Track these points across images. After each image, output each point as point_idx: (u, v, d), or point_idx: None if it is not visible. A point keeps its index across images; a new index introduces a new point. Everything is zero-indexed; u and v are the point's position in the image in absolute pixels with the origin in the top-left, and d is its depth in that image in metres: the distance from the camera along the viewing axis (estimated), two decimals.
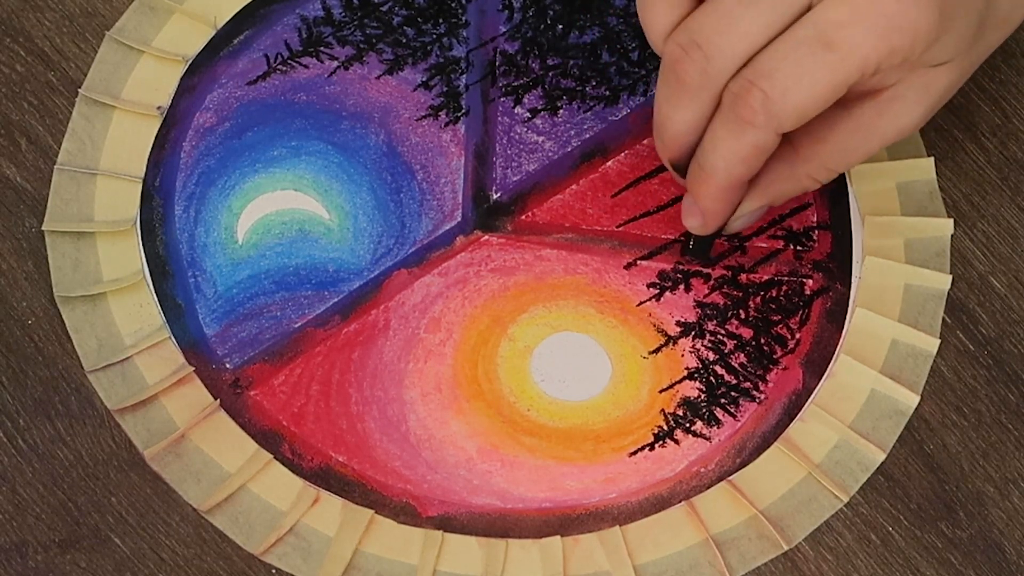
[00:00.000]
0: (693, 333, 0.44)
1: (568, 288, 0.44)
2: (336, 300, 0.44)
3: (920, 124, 0.37)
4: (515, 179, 0.45)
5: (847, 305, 0.44)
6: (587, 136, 0.45)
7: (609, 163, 0.46)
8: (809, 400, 0.44)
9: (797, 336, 0.44)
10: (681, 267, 0.45)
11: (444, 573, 0.42)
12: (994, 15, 0.37)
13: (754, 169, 0.37)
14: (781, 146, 0.36)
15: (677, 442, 0.43)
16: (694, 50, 0.35)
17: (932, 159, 0.45)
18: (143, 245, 0.44)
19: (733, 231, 0.41)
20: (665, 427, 0.43)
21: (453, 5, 0.46)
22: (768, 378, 0.44)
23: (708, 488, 0.43)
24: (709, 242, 0.43)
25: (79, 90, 0.45)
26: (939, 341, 0.44)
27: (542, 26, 0.46)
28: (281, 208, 0.45)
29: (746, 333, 0.44)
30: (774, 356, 0.44)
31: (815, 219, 0.45)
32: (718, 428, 0.43)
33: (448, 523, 0.43)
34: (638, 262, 0.45)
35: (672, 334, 0.44)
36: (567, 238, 0.45)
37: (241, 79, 0.46)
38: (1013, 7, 0.37)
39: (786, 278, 0.45)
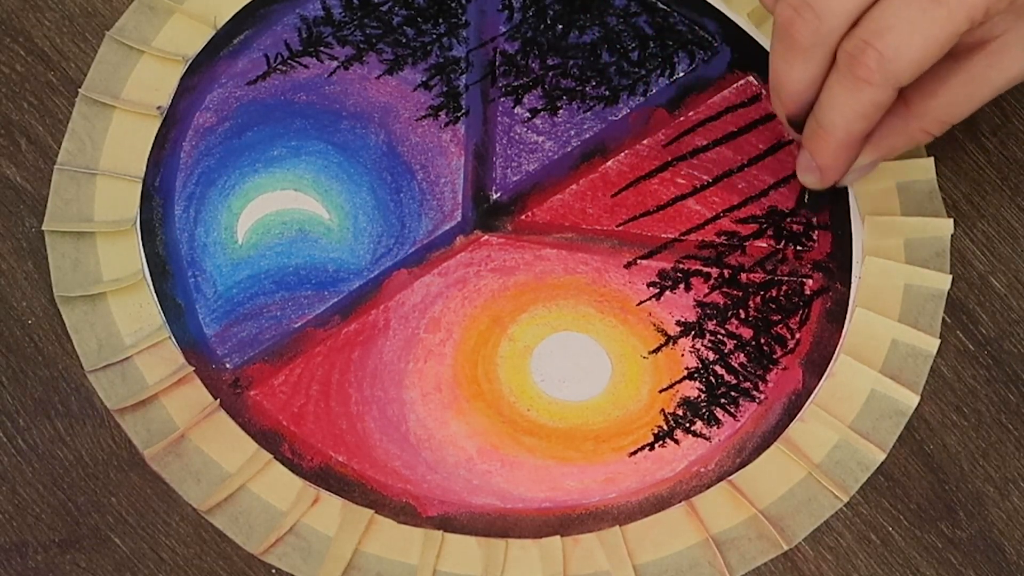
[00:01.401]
0: (693, 333, 0.44)
1: (568, 288, 0.44)
2: (336, 300, 0.44)
3: None
4: (515, 179, 0.45)
5: (847, 305, 0.44)
6: (587, 136, 0.45)
7: (609, 163, 0.46)
8: (809, 400, 0.44)
9: (797, 336, 0.44)
10: (681, 266, 0.45)
11: (444, 573, 0.42)
12: None
13: (871, 125, 0.38)
14: (894, 103, 0.37)
15: (677, 442, 0.43)
16: (805, 9, 0.36)
17: (932, 159, 0.45)
18: (143, 245, 0.44)
19: (846, 184, 0.42)
20: (665, 427, 0.43)
21: (453, 5, 0.46)
22: (768, 378, 0.44)
23: (708, 488, 0.43)
24: (825, 197, 0.44)
25: (79, 90, 0.45)
26: (939, 341, 0.44)
27: (542, 26, 0.46)
28: (281, 208, 0.45)
29: (746, 333, 0.44)
30: (774, 356, 0.44)
31: (815, 219, 0.45)
32: (718, 428, 0.43)
33: (448, 523, 0.43)
34: (638, 261, 0.45)
35: (672, 334, 0.44)
36: (567, 238, 0.45)
37: (241, 79, 0.46)
38: None
39: (786, 278, 0.45)
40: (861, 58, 0.36)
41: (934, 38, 0.35)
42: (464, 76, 0.46)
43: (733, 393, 0.44)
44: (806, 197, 0.44)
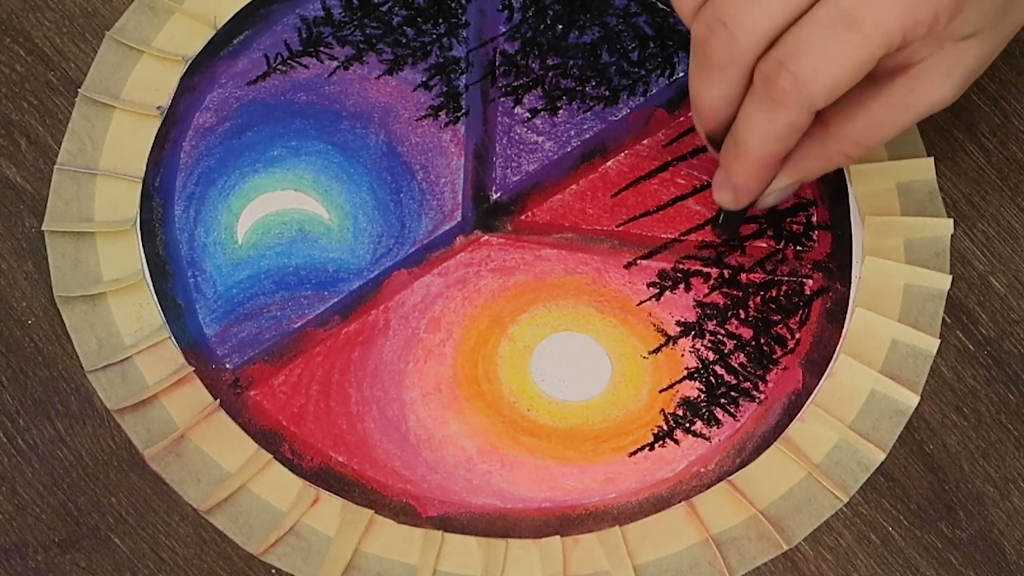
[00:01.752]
0: (693, 333, 0.44)
1: (568, 288, 0.44)
2: (336, 300, 0.44)
3: (952, 99, 0.37)
4: (515, 179, 0.45)
5: (847, 305, 0.44)
6: (587, 136, 0.45)
7: (609, 163, 0.46)
8: (809, 400, 0.44)
9: (797, 336, 0.44)
10: (681, 266, 0.45)
11: (444, 573, 0.42)
12: None
13: (788, 147, 0.37)
14: (812, 123, 0.37)
15: (677, 442, 0.43)
16: (719, 28, 0.35)
17: (932, 159, 0.45)
18: (143, 245, 0.44)
19: (764, 207, 0.41)
20: (665, 427, 0.43)
21: (453, 5, 0.46)
22: (768, 378, 0.44)
23: (708, 488, 0.43)
24: (739, 218, 0.43)
25: (79, 90, 0.45)
26: (939, 341, 0.44)
27: (542, 26, 0.46)
28: (281, 208, 0.45)
29: (746, 333, 0.44)
30: (774, 356, 0.44)
31: (815, 219, 0.45)
32: (718, 428, 0.43)
33: (448, 523, 0.43)
34: (638, 261, 0.45)
35: (672, 334, 0.44)
36: (567, 238, 0.45)
37: (241, 79, 0.46)
38: None
39: (786, 278, 0.45)
40: (776, 80, 0.35)
41: (850, 62, 0.34)
42: (464, 76, 0.46)
43: (733, 393, 0.44)
44: (720, 218, 0.44)
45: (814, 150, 0.39)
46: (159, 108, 0.45)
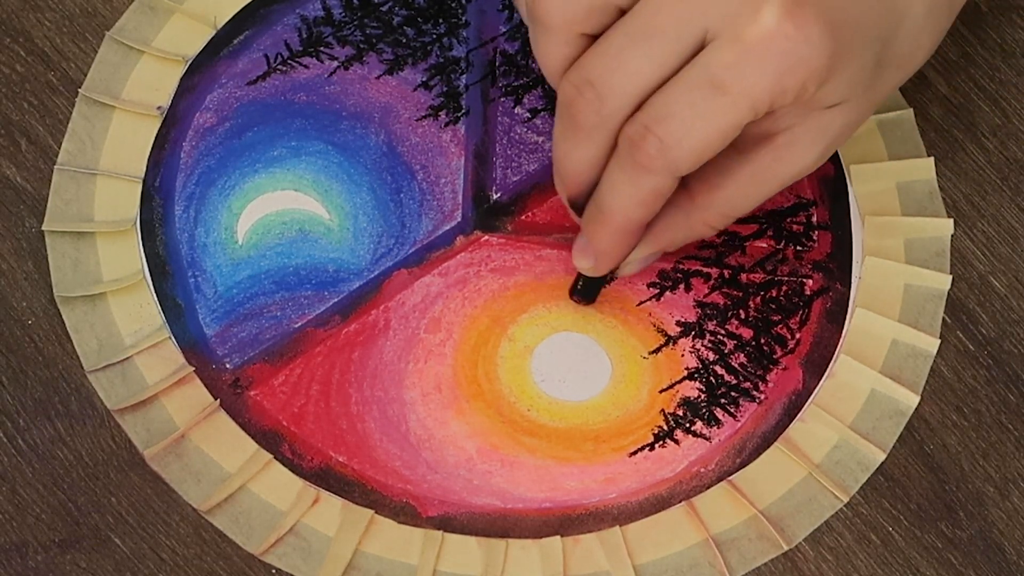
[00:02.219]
0: (693, 333, 0.44)
1: (568, 288, 0.44)
2: (336, 300, 0.44)
3: (816, 165, 0.37)
4: (515, 179, 0.45)
5: (847, 305, 0.44)
6: None
7: None
8: (809, 400, 0.44)
9: (797, 336, 0.44)
10: (681, 266, 0.45)
11: (444, 573, 0.42)
12: (892, 54, 0.36)
13: (651, 213, 0.36)
14: (677, 193, 0.36)
15: (677, 442, 0.43)
16: (587, 89, 0.35)
17: (932, 159, 0.45)
18: (143, 245, 0.44)
19: (623, 275, 0.41)
20: (665, 427, 0.43)
21: (453, 5, 0.46)
22: (768, 378, 0.44)
23: (708, 488, 0.43)
24: (598, 286, 0.43)
25: (79, 90, 0.45)
26: (939, 341, 0.44)
27: None
28: (281, 208, 0.45)
29: (746, 333, 0.44)
30: (774, 356, 0.44)
31: (815, 219, 0.45)
32: (718, 428, 0.43)
33: (448, 523, 0.43)
34: None
35: (672, 334, 0.44)
36: (567, 238, 0.45)
37: (241, 79, 0.46)
38: (913, 48, 0.37)
39: (786, 278, 0.45)
40: (641, 144, 0.34)
41: (716, 127, 0.34)
42: (464, 76, 0.46)
43: (733, 393, 0.44)
44: (579, 284, 0.43)
45: (678, 220, 0.38)
46: (159, 108, 0.45)
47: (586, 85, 0.35)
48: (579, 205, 0.38)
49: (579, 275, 0.43)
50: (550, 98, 0.46)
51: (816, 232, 0.45)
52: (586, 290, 0.43)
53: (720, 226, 0.38)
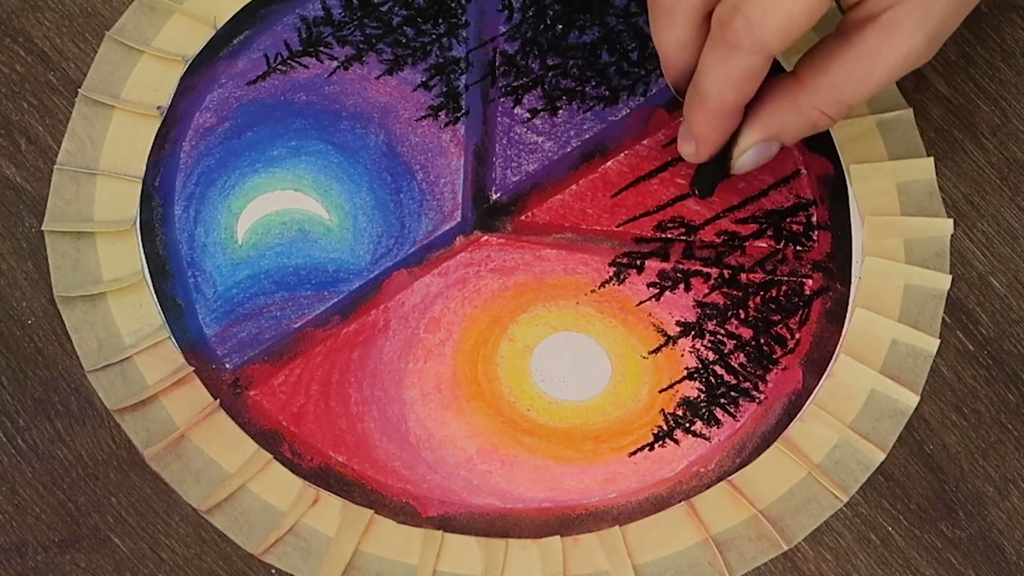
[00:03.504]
0: (693, 333, 0.44)
1: (568, 288, 0.44)
2: (336, 300, 0.44)
3: (923, 54, 0.37)
4: (515, 179, 0.45)
5: (847, 305, 0.44)
6: (587, 136, 0.45)
7: (609, 163, 0.46)
8: (809, 400, 0.44)
9: (797, 336, 0.44)
10: (681, 266, 0.45)
11: (444, 573, 0.42)
12: None
13: (746, 94, 0.37)
14: (785, 79, 0.37)
15: (677, 442, 0.43)
16: None
17: (932, 159, 0.45)
18: (143, 245, 0.44)
19: (742, 170, 0.40)
20: (665, 427, 0.43)
21: (453, 5, 0.46)
22: (768, 378, 0.44)
23: (708, 488, 0.43)
24: (712, 179, 0.43)
25: (79, 90, 0.45)
26: (939, 341, 0.44)
27: (542, 26, 0.46)
28: (281, 208, 0.45)
29: (746, 333, 0.44)
30: (774, 356, 0.44)
31: (815, 219, 0.45)
32: (718, 428, 0.43)
33: (448, 523, 0.43)
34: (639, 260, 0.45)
35: (672, 334, 0.44)
36: (567, 238, 0.45)
37: (241, 79, 0.46)
38: None
39: (786, 278, 0.45)
40: (730, 23, 0.35)
41: (802, 3, 0.34)
42: (464, 76, 0.46)
43: (733, 393, 0.44)
44: (697, 176, 0.43)
45: (786, 104, 0.38)
46: (159, 108, 0.45)
47: None
48: (682, 91, 0.39)
49: (697, 167, 0.43)
50: (550, 98, 0.46)
51: (816, 232, 0.45)
52: (699, 180, 0.43)
53: (833, 113, 0.38)
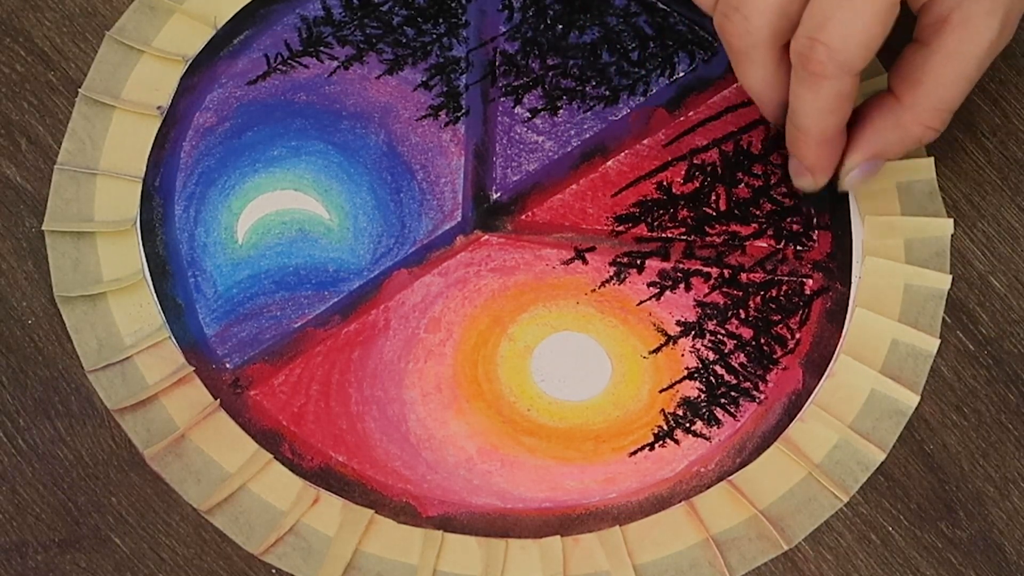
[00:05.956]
0: (693, 333, 0.44)
1: (568, 288, 0.44)
2: (336, 300, 0.44)
3: (1002, 38, 0.37)
4: (515, 179, 0.45)
5: (847, 305, 0.44)
6: (587, 136, 0.45)
7: (609, 163, 0.46)
8: (809, 400, 0.44)
9: (797, 336, 0.44)
10: (681, 266, 0.45)
11: (444, 573, 0.42)
12: None
13: (844, 116, 0.38)
14: (884, 98, 0.38)
15: (677, 442, 0.43)
16: (733, 14, 0.37)
17: (932, 159, 0.45)
18: (143, 245, 0.44)
19: (848, 188, 0.42)
20: (665, 427, 0.43)
21: (453, 5, 0.46)
22: (768, 378, 0.44)
23: (708, 488, 0.43)
24: (823, 193, 0.43)
25: (79, 90, 0.45)
26: (939, 341, 0.44)
27: (542, 26, 0.46)
28: (281, 208, 0.45)
29: (746, 333, 0.44)
30: (774, 356, 0.44)
31: (815, 219, 0.45)
32: (718, 428, 0.43)
33: (448, 523, 0.43)
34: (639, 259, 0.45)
35: (672, 334, 0.44)
36: (567, 237, 0.45)
37: (241, 79, 0.46)
38: None
39: (786, 278, 0.45)
40: (810, 55, 0.36)
41: (874, 16, 0.35)
42: (464, 76, 0.46)
43: (733, 393, 0.44)
44: (807, 199, 0.45)
45: (888, 123, 0.39)
46: (159, 108, 0.45)
47: (732, 10, 0.37)
48: (783, 127, 0.40)
49: (806, 196, 0.44)
50: (550, 98, 0.46)
51: (816, 232, 0.45)
52: (813, 200, 0.44)
53: (937, 124, 0.39)
